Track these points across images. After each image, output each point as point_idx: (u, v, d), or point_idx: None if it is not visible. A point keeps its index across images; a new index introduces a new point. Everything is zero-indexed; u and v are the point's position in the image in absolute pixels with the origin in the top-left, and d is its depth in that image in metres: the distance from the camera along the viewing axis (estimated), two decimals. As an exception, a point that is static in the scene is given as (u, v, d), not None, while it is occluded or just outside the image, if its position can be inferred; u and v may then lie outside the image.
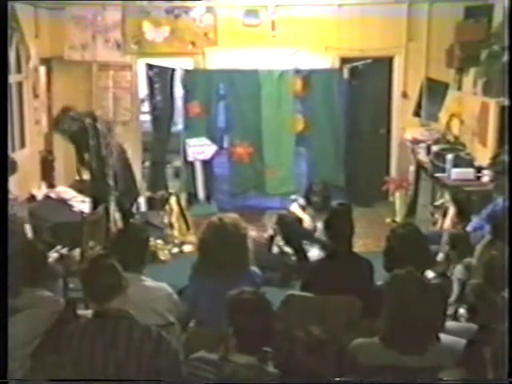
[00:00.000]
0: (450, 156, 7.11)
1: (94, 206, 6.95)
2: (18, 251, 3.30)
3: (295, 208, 6.91)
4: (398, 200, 8.25)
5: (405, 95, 8.97)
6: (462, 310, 3.99)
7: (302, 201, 6.94)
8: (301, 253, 6.52)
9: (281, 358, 2.55)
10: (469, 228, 5.52)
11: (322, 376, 2.28)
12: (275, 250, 6.72)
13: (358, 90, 8.71)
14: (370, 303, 3.57)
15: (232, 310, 2.76)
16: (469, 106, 7.90)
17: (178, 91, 8.98)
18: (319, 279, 3.95)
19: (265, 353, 2.73)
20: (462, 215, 5.97)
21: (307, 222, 6.70)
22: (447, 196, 6.75)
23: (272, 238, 6.76)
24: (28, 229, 6.12)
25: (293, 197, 7.15)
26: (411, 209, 8.01)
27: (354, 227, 4.22)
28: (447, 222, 6.20)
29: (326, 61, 8.81)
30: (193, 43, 8.75)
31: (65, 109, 7.83)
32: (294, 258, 6.56)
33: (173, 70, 8.78)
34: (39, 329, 3.16)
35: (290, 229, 6.65)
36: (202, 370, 2.75)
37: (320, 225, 6.03)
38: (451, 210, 6.19)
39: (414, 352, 2.69)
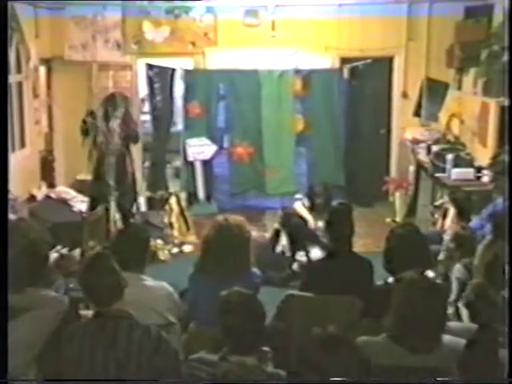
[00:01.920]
0: (450, 156, 7.11)
1: (94, 205, 6.94)
2: (22, 250, 3.29)
3: (299, 206, 6.89)
4: (398, 200, 8.25)
5: (405, 95, 8.97)
6: (462, 310, 4.00)
7: (305, 201, 6.93)
8: (303, 252, 6.51)
9: (293, 355, 2.55)
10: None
11: (335, 374, 2.27)
12: (278, 248, 6.71)
13: (358, 90, 8.72)
14: (370, 303, 3.58)
15: (220, 311, 2.77)
16: (469, 106, 7.90)
17: (178, 91, 8.98)
18: (319, 279, 3.95)
19: (263, 353, 2.73)
20: (462, 215, 5.96)
21: (311, 222, 6.67)
22: (447, 196, 6.75)
23: (278, 233, 6.73)
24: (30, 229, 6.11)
25: (297, 196, 7.14)
26: (411, 209, 8.01)
27: (354, 227, 4.22)
28: (447, 222, 6.18)
29: (325, 61, 8.81)
30: (193, 43, 8.76)
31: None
32: (295, 257, 6.54)
33: (173, 69, 8.79)
34: (44, 331, 3.14)
35: (295, 227, 6.64)
36: (201, 370, 2.75)
37: (321, 225, 6.02)
38: (451, 211, 6.18)
39: (422, 351, 2.68)
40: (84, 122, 7.40)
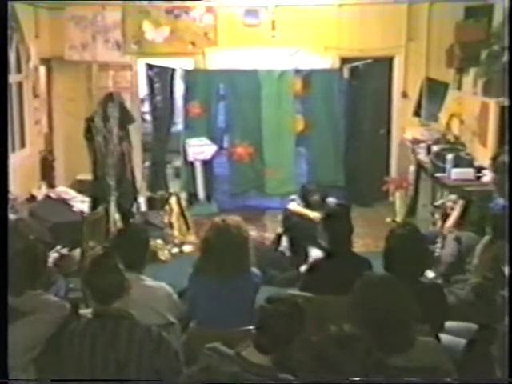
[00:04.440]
0: (449, 156, 7.10)
1: (94, 205, 6.94)
2: (21, 252, 3.29)
3: (294, 206, 6.87)
4: (398, 200, 8.24)
5: (405, 95, 8.97)
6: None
7: (299, 200, 6.91)
8: (302, 253, 6.50)
9: (309, 353, 2.51)
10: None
11: (349, 373, 2.26)
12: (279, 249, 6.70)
13: (358, 90, 8.71)
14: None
15: (270, 311, 2.68)
16: (469, 106, 7.90)
17: (178, 91, 8.98)
18: (319, 279, 3.95)
19: (281, 355, 2.67)
20: (462, 215, 5.96)
21: (310, 215, 6.59)
22: (449, 196, 6.74)
23: (279, 237, 6.72)
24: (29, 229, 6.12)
25: (291, 197, 7.13)
26: (411, 209, 8.00)
27: (353, 227, 4.22)
28: (449, 222, 6.17)
29: (325, 61, 8.80)
30: (193, 43, 8.76)
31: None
32: (295, 257, 6.53)
33: (173, 69, 8.79)
34: (44, 334, 3.14)
35: (296, 227, 6.62)
36: (215, 359, 2.73)
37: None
38: (456, 210, 6.16)
39: (395, 352, 2.61)
40: (89, 127, 7.32)
